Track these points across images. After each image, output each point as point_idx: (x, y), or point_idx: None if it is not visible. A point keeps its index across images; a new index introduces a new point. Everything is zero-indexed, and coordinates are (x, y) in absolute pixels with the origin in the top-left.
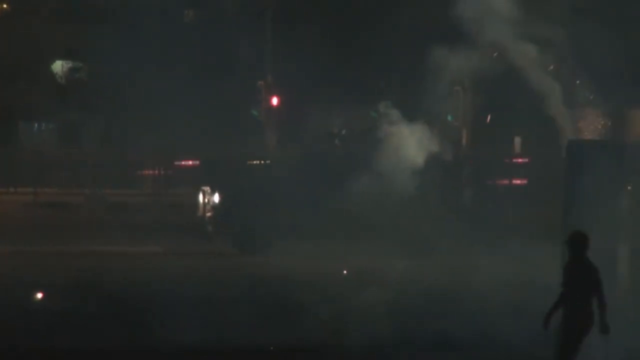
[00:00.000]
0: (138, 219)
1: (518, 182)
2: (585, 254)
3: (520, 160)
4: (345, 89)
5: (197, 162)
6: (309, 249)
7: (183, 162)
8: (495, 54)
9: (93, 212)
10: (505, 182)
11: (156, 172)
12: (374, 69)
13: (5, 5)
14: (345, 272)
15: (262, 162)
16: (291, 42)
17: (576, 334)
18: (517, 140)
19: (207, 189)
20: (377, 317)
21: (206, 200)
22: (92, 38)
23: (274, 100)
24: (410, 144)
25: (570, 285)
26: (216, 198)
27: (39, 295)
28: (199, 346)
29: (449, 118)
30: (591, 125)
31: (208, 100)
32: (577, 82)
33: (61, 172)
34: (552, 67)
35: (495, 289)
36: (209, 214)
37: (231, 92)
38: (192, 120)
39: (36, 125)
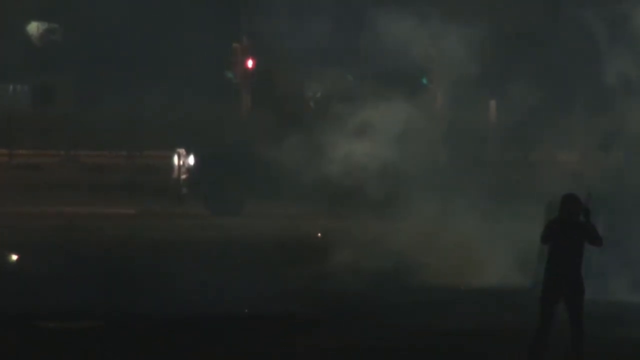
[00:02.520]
0: (113, 180)
1: None
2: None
3: None
4: (321, 52)
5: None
6: (281, 211)
7: None
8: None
9: (67, 173)
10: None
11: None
12: (349, 31)
13: None
14: (319, 234)
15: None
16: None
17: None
18: (493, 104)
19: (182, 151)
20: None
21: (181, 162)
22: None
23: (250, 63)
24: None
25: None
26: (191, 160)
27: (15, 257)
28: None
29: (424, 81)
30: None
31: (182, 62)
32: None
33: (35, 134)
34: None
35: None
36: (183, 176)
37: (205, 54)
38: (166, 82)
39: (11, 87)
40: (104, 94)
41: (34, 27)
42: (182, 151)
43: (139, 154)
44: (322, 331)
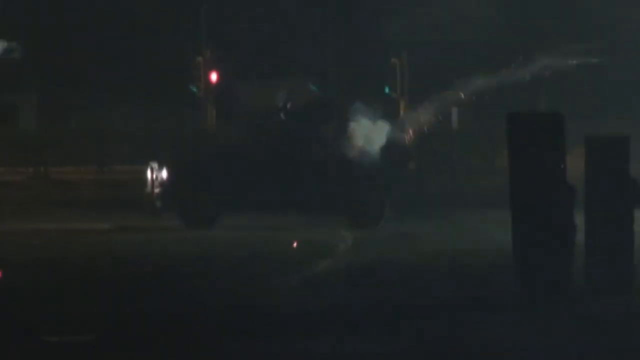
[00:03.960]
0: (83, 196)
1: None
2: None
3: None
4: (284, 63)
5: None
6: (255, 222)
7: None
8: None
9: (37, 190)
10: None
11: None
12: (313, 42)
13: None
14: (295, 244)
15: (207, 137)
16: (228, 18)
17: None
18: (455, 111)
19: (155, 165)
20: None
21: (154, 176)
22: (25, 18)
23: (213, 76)
24: (352, 115)
25: None
26: (164, 174)
27: None
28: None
29: (386, 91)
30: None
31: (145, 77)
32: None
33: (2, 151)
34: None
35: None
36: (156, 190)
37: (169, 68)
38: (130, 97)
39: None
40: (68, 111)
41: None
42: (155, 164)
43: (109, 168)
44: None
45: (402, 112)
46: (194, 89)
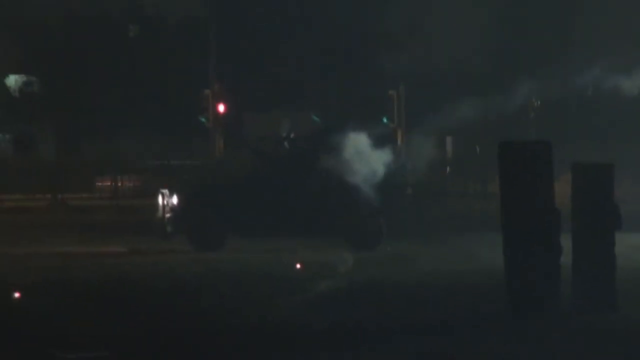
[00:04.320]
0: (98, 221)
1: None
2: None
3: None
4: (288, 95)
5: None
6: (260, 245)
7: None
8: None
9: (55, 215)
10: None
11: (111, 178)
12: (315, 75)
13: None
14: (299, 266)
15: (215, 165)
16: (235, 52)
17: None
18: (449, 140)
19: (166, 191)
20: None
21: (165, 202)
22: (43, 54)
23: (221, 107)
24: (353, 144)
25: None
26: (174, 200)
27: (17, 295)
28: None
29: (384, 121)
30: None
31: (157, 108)
32: None
33: (22, 179)
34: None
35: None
36: (167, 215)
37: (179, 100)
38: (142, 127)
39: None
40: (83, 140)
41: (12, 80)
42: (166, 191)
43: (122, 195)
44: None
45: (399, 142)
46: (203, 120)
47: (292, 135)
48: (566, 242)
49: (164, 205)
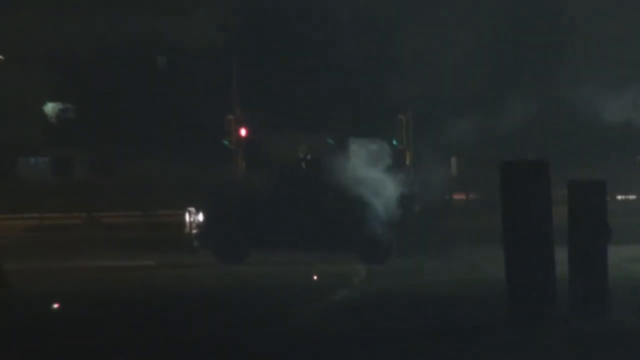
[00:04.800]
0: (130, 237)
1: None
2: None
3: None
4: (305, 119)
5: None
6: (279, 258)
7: None
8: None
9: (90, 232)
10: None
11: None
12: (330, 100)
13: (1, 57)
14: (316, 277)
15: (238, 184)
16: (255, 79)
17: None
18: (454, 161)
19: (192, 209)
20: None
21: (192, 219)
22: (78, 83)
23: (243, 131)
24: (365, 164)
25: None
26: (200, 217)
27: (56, 305)
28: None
29: (394, 142)
30: None
31: (183, 132)
32: None
33: (59, 199)
34: None
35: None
36: (194, 231)
37: (204, 125)
38: (170, 150)
39: (32, 159)
40: (115, 162)
41: (50, 108)
42: (192, 209)
43: (153, 213)
44: None
45: (407, 161)
46: (226, 143)
47: (308, 157)
48: (563, 254)
49: (190, 222)
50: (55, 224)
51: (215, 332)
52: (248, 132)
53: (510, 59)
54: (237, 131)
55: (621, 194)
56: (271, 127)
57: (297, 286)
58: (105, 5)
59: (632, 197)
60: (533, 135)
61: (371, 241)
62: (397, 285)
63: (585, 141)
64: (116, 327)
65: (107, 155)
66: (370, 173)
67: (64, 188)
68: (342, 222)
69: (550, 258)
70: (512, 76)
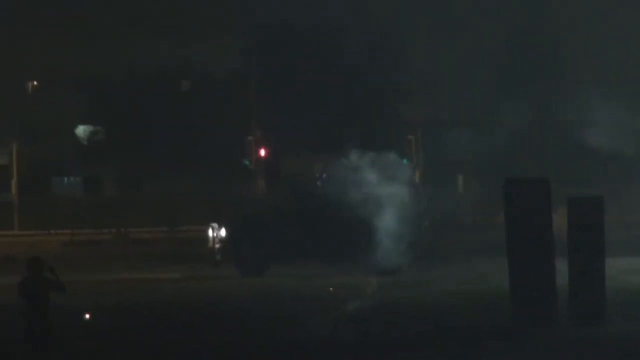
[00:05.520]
0: (157, 252)
1: None
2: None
3: None
4: (320, 140)
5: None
6: (298, 270)
7: None
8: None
9: (119, 247)
10: None
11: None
12: (343, 122)
13: (35, 82)
14: (331, 289)
15: (258, 202)
16: (274, 104)
17: None
18: (460, 178)
19: (215, 225)
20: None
21: (215, 234)
22: (108, 106)
23: (262, 152)
24: (377, 182)
25: None
26: (223, 233)
27: (88, 316)
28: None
29: (405, 162)
30: None
31: (206, 153)
32: None
33: (90, 216)
34: None
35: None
36: (217, 246)
37: (226, 145)
38: (193, 169)
39: (65, 179)
40: (142, 181)
41: (81, 130)
42: (215, 225)
43: (178, 229)
44: None
45: (417, 180)
46: (247, 163)
47: (324, 175)
48: (563, 265)
49: (214, 237)
50: (86, 240)
51: (236, 340)
52: (267, 153)
53: (512, 78)
54: (257, 152)
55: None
56: (288, 147)
57: (313, 297)
58: (133, 34)
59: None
60: (533, 152)
61: (383, 255)
62: (407, 296)
63: (583, 158)
64: (145, 334)
65: (135, 174)
66: (383, 190)
67: (95, 206)
68: (356, 237)
69: (552, 268)
70: (514, 95)
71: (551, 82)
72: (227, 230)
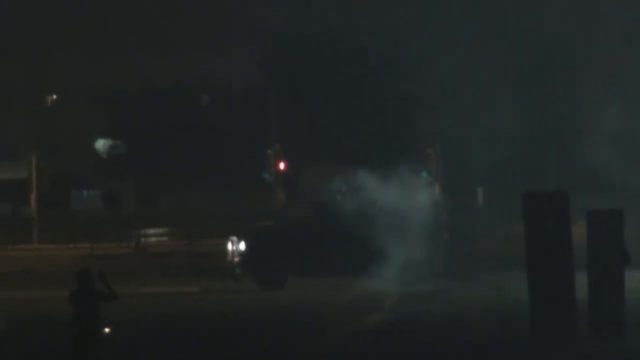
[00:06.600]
0: (176, 265)
1: None
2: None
3: None
4: (339, 153)
5: None
6: (316, 283)
7: None
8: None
9: (138, 260)
10: None
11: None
12: (364, 136)
13: (54, 96)
14: (350, 301)
15: (277, 215)
16: (293, 117)
17: None
18: (480, 191)
19: (235, 238)
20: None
21: (234, 247)
22: (127, 120)
23: (282, 165)
24: (396, 195)
25: None
26: (242, 246)
27: (107, 330)
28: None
29: (424, 174)
30: None
31: (226, 166)
32: None
33: (109, 229)
34: None
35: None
36: (236, 259)
37: (246, 159)
38: (213, 182)
39: (85, 192)
40: (161, 195)
41: (100, 144)
42: (234, 238)
43: (197, 242)
44: None
45: (437, 193)
46: (266, 176)
47: (343, 188)
48: (582, 278)
49: (233, 251)
50: (105, 253)
51: (256, 352)
52: (286, 166)
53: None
54: (276, 165)
55: None
56: (308, 159)
57: (331, 309)
58: (151, 48)
59: None
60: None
61: (402, 267)
62: (426, 308)
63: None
64: (165, 347)
65: (153, 188)
66: (402, 203)
67: (113, 219)
68: (375, 250)
69: (571, 281)
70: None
71: (570, 91)
72: (246, 244)
